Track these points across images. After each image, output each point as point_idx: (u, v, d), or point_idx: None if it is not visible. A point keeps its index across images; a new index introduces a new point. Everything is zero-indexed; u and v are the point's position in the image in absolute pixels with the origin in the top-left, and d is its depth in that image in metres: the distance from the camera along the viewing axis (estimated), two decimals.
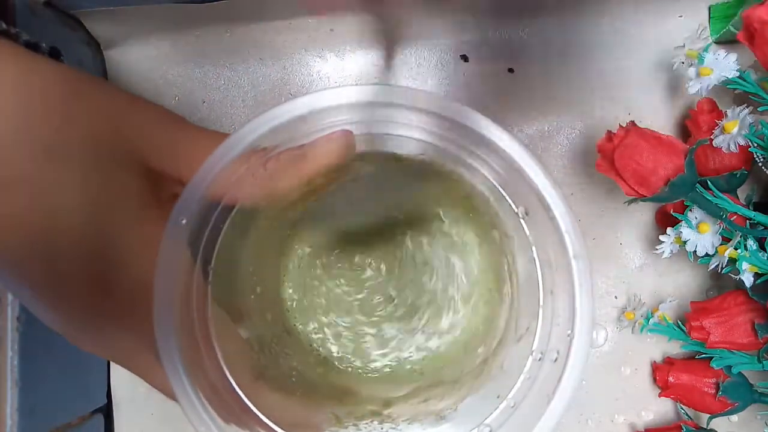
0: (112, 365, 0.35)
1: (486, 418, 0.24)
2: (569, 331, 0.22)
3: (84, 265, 0.21)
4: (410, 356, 0.32)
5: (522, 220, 0.24)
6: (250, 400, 0.23)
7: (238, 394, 0.23)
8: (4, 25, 0.25)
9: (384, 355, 0.32)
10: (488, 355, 0.28)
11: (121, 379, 0.35)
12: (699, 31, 0.31)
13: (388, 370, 0.32)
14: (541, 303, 0.24)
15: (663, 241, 0.30)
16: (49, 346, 0.30)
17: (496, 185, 0.25)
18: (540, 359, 0.24)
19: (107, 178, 0.22)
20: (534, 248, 0.24)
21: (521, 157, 0.22)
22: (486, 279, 0.31)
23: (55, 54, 0.29)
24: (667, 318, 0.33)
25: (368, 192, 0.31)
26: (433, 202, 0.31)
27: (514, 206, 0.25)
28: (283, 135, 0.23)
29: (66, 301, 0.22)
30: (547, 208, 0.22)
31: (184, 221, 0.21)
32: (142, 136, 0.24)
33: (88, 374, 0.34)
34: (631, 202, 0.30)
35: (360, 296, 0.32)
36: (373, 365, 0.32)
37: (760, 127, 0.28)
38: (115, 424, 0.35)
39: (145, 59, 0.35)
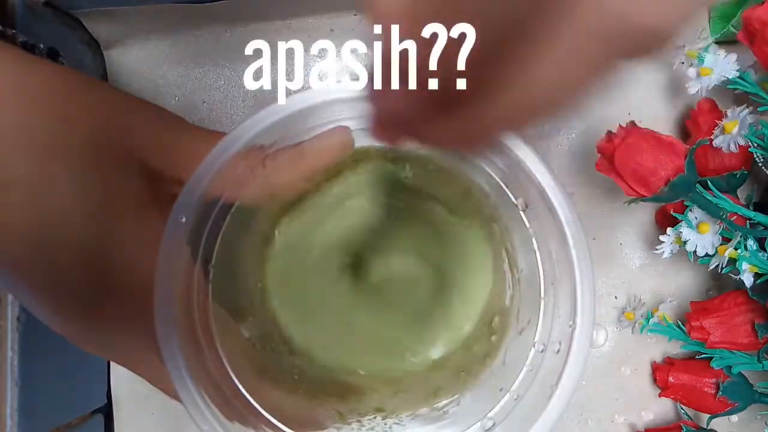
0: (112, 365, 0.35)
1: (489, 412, 0.24)
2: (571, 323, 0.22)
3: (84, 266, 0.21)
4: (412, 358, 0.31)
5: (522, 212, 0.24)
6: (253, 398, 0.23)
7: (241, 392, 0.23)
8: (0, 27, 0.25)
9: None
10: (490, 348, 0.28)
11: (121, 379, 0.35)
12: (699, 31, 0.31)
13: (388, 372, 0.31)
14: (542, 295, 0.24)
15: (663, 241, 0.30)
16: (49, 346, 0.30)
17: (496, 178, 0.25)
18: (542, 351, 0.24)
19: (106, 179, 0.22)
20: (534, 240, 0.24)
21: (519, 148, 0.22)
22: (487, 271, 0.30)
23: (53, 55, 0.29)
24: (667, 318, 0.33)
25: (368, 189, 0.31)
26: (433, 195, 0.31)
27: (513, 198, 0.25)
28: (280, 132, 0.23)
29: (66, 302, 0.22)
30: (546, 200, 0.22)
31: (183, 220, 0.21)
32: (141, 136, 0.24)
33: (88, 374, 0.34)
34: (631, 202, 0.30)
35: (359, 298, 0.32)
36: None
37: (760, 127, 0.28)
38: (115, 424, 0.35)
39: (145, 59, 0.35)
